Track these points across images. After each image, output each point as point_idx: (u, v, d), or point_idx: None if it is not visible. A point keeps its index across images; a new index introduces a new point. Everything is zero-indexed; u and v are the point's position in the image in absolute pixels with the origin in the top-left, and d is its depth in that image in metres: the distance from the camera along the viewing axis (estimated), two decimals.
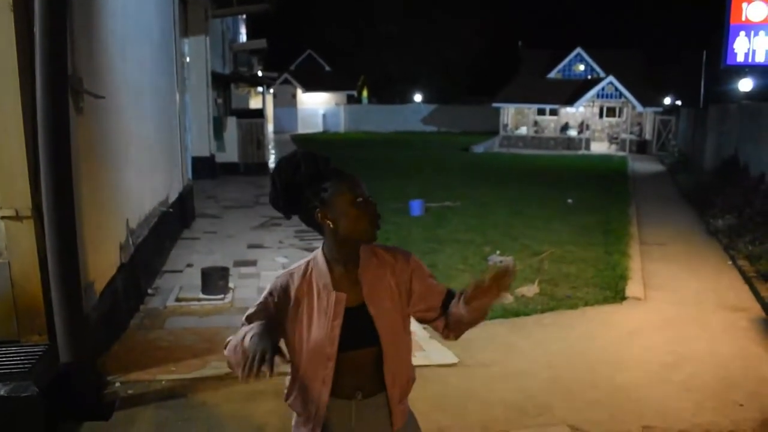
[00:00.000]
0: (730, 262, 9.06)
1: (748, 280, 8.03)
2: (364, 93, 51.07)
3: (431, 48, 53.01)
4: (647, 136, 32.44)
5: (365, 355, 2.06)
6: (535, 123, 35.40)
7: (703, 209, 12.59)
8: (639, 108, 31.69)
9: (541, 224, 11.08)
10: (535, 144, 32.37)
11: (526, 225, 11.03)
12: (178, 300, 6.81)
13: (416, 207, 11.50)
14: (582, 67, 35.40)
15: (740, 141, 14.73)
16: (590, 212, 12.48)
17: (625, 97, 31.57)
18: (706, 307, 7.11)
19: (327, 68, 49.12)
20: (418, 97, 53.24)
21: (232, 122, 17.76)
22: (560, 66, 35.44)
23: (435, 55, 53.24)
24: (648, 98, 32.04)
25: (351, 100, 47.06)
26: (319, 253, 2.11)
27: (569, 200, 13.72)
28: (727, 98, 24.43)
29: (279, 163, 2.08)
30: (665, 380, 5.17)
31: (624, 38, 43.72)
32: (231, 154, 17.45)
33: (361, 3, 52.95)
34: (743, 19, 4.41)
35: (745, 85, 24.05)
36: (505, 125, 34.10)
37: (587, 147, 31.30)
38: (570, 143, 32.03)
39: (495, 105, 33.89)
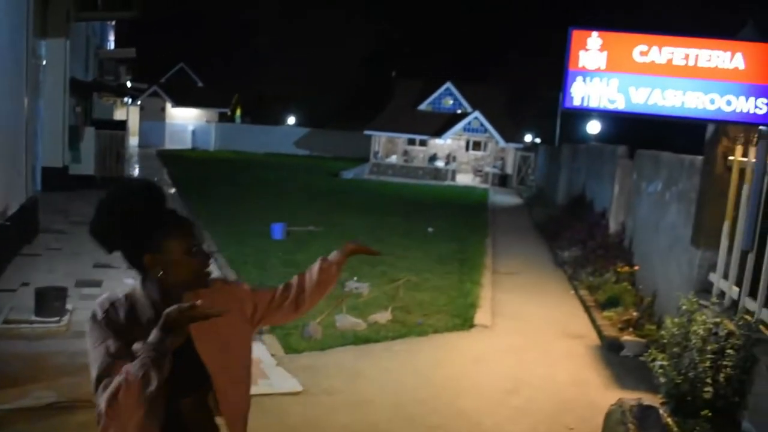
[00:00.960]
0: (573, 292, 9.66)
1: (587, 309, 8.58)
2: (238, 112, 50.19)
3: (308, 72, 53.32)
4: (509, 170, 34.21)
5: (195, 400, 1.92)
6: (405, 152, 36.34)
7: (553, 241, 13.37)
8: (502, 143, 33.42)
9: (401, 252, 11.27)
10: (404, 173, 33.18)
11: (387, 252, 11.18)
12: (6, 322, 6.23)
13: (278, 230, 11.35)
14: (451, 101, 36.84)
15: (587, 179, 15.88)
16: (449, 241, 12.88)
17: (490, 132, 33.22)
18: (548, 334, 7.50)
19: (200, 83, 47.89)
20: (291, 120, 53.09)
21: (90, 133, 16.71)
22: (431, 98, 36.68)
23: (311, 79, 53.56)
24: (510, 134, 33.91)
25: (223, 118, 46.04)
26: (138, 290, 1.92)
27: (430, 229, 14.09)
28: (579, 138, 26.38)
29: (113, 191, 1.88)
30: (504, 405, 5.36)
31: (490, 75, 46.01)
32: (87, 166, 16.38)
33: (238, 21, 52.39)
34: (580, 66, 4.77)
35: (593, 127, 26.03)
36: (376, 153, 34.73)
37: (453, 178, 32.50)
38: (437, 173, 33.12)
39: (367, 132, 34.48)
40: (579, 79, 5.04)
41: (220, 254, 10.00)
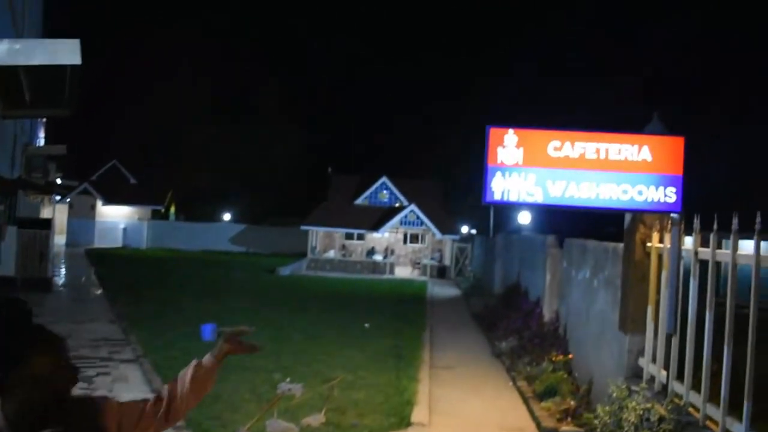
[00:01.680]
0: (511, 383, 9.63)
1: (525, 401, 8.54)
2: (172, 209, 49.68)
3: (243, 168, 53.77)
4: (447, 261, 34.63)
5: None
6: (343, 247, 36.45)
7: (491, 332, 13.43)
8: (438, 235, 33.97)
9: (336, 349, 11.09)
10: (342, 267, 33.14)
11: (322, 350, 10.99)
12: None
13: (208, 331, 11.03)
14: (387, 195, 37.54)
15: (521, 268, 16.23)
16: (386, 336, 12.77)
17: (426, 225, 33.76)
18: (487, 429, 7.40)
19: (132, 180, 47.37)
20: (227, 216, 52.86)
21: (11, 232, 16.17)
22: (367, 193, 37.32)
23: (246, 175, 53.93)
24: (447, 226, 34.57)
25: (157, 215, 45.45)
26: None
27: (366, 325, 13.98)
28: (513, 228, 27.14)
29: None
30: None
31: (425, 169, 47.56)
32: (7, 266, 15.75)
33: (172, 116, 52.79)
34: (498, 161, 5.00)
35: (524, 217, 26.87)
36: (314, 248, 34.69)
37: (392, 271, 32.63)
38: (376, 267, 33.21)
39: (304, 227, 34.52)
40: (498, 174, 5.25)
41: (146, 359, 9.61)
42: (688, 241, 5.54)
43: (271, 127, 54.57)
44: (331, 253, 35.28)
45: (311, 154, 55.69)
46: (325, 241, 36.53)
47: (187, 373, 2.18)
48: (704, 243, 5.34)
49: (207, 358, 2.25)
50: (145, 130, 53.16)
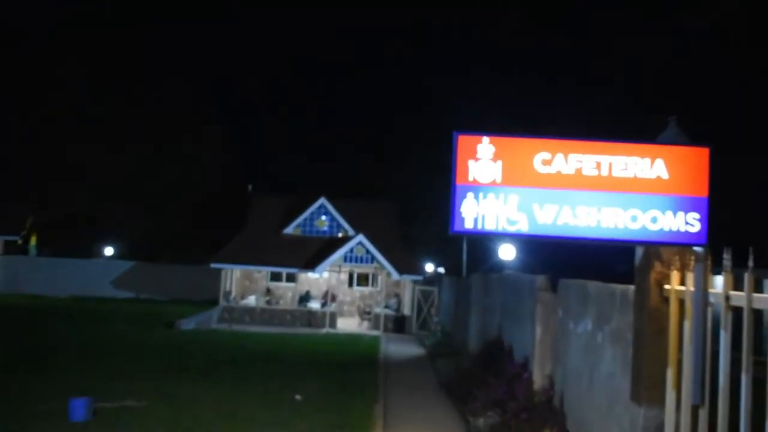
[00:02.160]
0: None
1: None
2: (33, 240, 48.64)
3: (129, 185, 53.03)
4: (406, 310, 34.69)
5: None
6: (268, 291, 36.19)
7: (465, 404, 13.44)
8: (395, 275, 34.01)
9: (257, 430, 10.94)
10: (267, 319, 32.86)
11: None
12: None
13: (79, 408, 10.78)
14: (326, 222, 37.51)
15: (503, 319, 16.36)
16: (325, 412, 12.67)
17: (379, 262, 33.79)
18: None
19: None
20: (109, 250, 51.95)
21: None
22: (300, 219, 37.20)
23: (134, 194, 53.20)
24: (406, 264, 34.66)
25: (12, 248, 44.42)
26: None
27: (297, 396, 13.88)
28: (493, 265, 27.43)
29: None
30: None
31: (377, 189, 47.82)
32: None
33: (33, 125, 51.98)
34: (470, 179, 5.05)
35: (507, 252, 27.18)
36: (228, 293, 34.35)
37: (333, 324, 32.49)
38: (312, 318, 33.05)
39: (215, 266, 34.10)
40: (470, 195, 5.30)
41: None
42: (718, 282, 5.67)
43: (169, 136, 54.20)
44: (252, 300, 34.99)
45: (225, 168, 55.44)
46: (244, 284, 36.19)
47: None
48: (738, 284, 5.48)
49: None
50: None
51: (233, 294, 35.00)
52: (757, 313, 5.19)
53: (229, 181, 50.78)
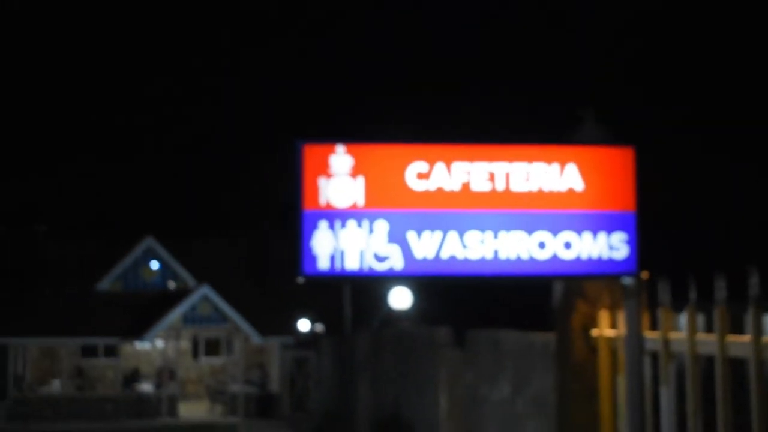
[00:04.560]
0: None
1: None
2: None
3: None
4: (274, 386, 34.57)
5: None
6: (79, 372, 35.53)
7: None
8: (257, 338, 33.91)
9: None
10: (79, 411, 32.25)
11: None
12: None
13: None
14: (157, 272, 37.14)
15: (402, 387, 16.45)
16: None
17: (234, 321, 33.61)
18: None
19: None
20: None
21: None
22: (119, 269, 36.80)
23: None
24: (271, 322, 34.62)
25: None
26: None
27: None
28: (382, 318, 27.59)
29: None
30: None
31: (219, 227, 47.61)
32: None
33: None
34: (322, 203, 5.08)
35: (401, 299, 27.44)
36: (19, 378, 33.59)
37: (172, 412, 32.14)
38: (143, 407, 32.63)
39: (1, 341, 33.31)
40: (323, 225, 5.36)
41: None
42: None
43: None
44: (57, 386, 34.42)
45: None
46: (43, 364, 35.47)
47: None
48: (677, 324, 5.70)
49: None
50: None
51: (27, 379, 34.25)
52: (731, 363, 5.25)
53: (11, 221, 49.64)
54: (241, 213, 50.93)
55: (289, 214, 5.36)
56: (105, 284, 36.62)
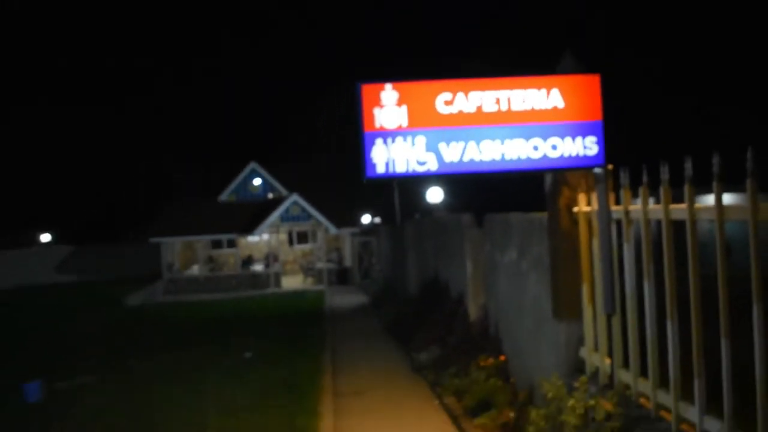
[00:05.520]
0: (437, 402, 10.00)
1: (455, 420, 8.92)
2: None
3: (56, 171, 51.94)
4: (348, 262, 35.01)
5: None
6: (210, 259, 36.09)
7: (408, 343, 13.81)
8: (333, 230, 34.25)
9: (210, 390, 11.11)
10: (212, 286, 32.88)
11: (191, 395, 10.99)
12: None
13: (32, 391, 10.83)
14: (260, 186, 37.41)
15: (438, 260, 16.69)
16: (275, 365, 12.90)
17: (316, 219, 33.94)
18: None
19: None
20: (46, 237, 50.88)
21: None
22: (233, 185, 37.10)
23: (63, 180, 52.14)
24: (343, 218, 34.91)
25: None
26: None
27: (247, 354, 14.07)
28: (425, 210, 27.78)
29: None
30: None
31: (304, 150, 47.64)
32: None
33: None
34: (377, 126, 5.25)
35: (435, 195, 27.54)
36: (171, 265, 34.15)
37: (278, 284, 32.66)
38: (256, 281, 33.15)
39: (154, 240, 33.85)
40: (378, 141, 5.49)
41: None
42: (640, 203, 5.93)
43: (81, 113, 53.09)
44: (195, 269, 34.98)
45: (146, 143, 54.69)
46: (186, 255, 36.06)
47: None
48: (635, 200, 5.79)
49: None
50: None
51: (176, 266, 34.83)
52: (677, 225, 5.34)
53: (157, 154, 49.99)
54: (319, 139, 50.73)
55: (354, 136, 5.47)
56: (224, 197, 36.98)
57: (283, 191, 35.98)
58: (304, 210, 33.80)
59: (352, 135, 5.57)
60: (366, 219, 41.73)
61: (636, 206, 5.64)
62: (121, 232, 47.25)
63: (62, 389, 11.76)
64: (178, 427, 9.13)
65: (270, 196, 36.71)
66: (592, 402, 5.64)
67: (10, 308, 28.47)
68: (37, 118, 52.47)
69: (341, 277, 33.63)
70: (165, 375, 12.82)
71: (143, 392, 11.49)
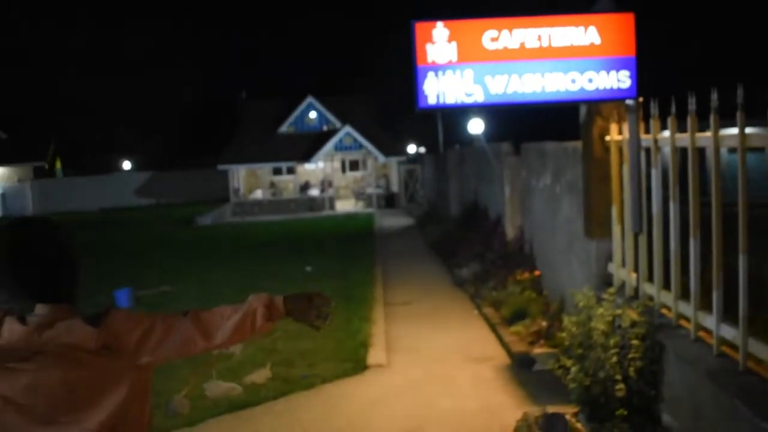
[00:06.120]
0: (476, 312, 10.16)
1: (493, 328, 9.08)
2: (57, 164, 48.46)
3: (136, 105, 52.50)
4: (394, 188, 35.10)
5: None
6: (272, 184, 36.44)
7: (450, 260, 13.95)
8: (381, 158, 34.29)
9: None
10: (274, 208, 33.29)
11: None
12: None
13: (123, 297, 11.19)
14: (316, 118, 37.38)
15: (478, 185, 16.70)
16: (332, 278, 13.14)
17: (366, 148, 33.99)
18: (452, 363, 7.88)
19: (3, 136, 45.52)
20: (127, 165, 51.85)
21: None
22: (292, 118, 37.06)
23: (141, 113, 52.73)
24: (391, 147, 34.88)
25: (39, 173, 44.19)
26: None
27: (308, 268, 14.34)
28: (465, 140, 27.63)
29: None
30: None
31: (356, 85, 47.40)
32: None
33: (39, 59, 50.89)
34: (429, 61, 5.24)
35: (476, 126, 27.31)
36: (237, 190, 34.62)
37: (332, 207, 32.97)
38: (313, 204, 33.47)
39: (221, 167, 34.29)
40: (430, 75, 5.49)
41: None
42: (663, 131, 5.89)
43: (160, 51, 53.21)
44: (259, 194, 35.32)
45: (217, 79, 54.86)
46: (250, 181, 36.45)
47: (233, 319, 2.37)
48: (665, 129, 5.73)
49: (260, 316, 2.38)
50: (9, 80, 51.07)
51: (241, 190, 35.27)
52: (701, 153, 5.30)
53: (222, 90, 50.24)
54: (370, 74, 50.39)
55: (408, 70, 5.47)
56: (283, 129, 36.95)
57: (337, 123, 35.92)
58: (355, 140, 33.84)
59: (405, 70, 5.57)
60: (411, 149, 41.64)
61: (665, 135, 5.59)
62: (194, 160, 47.81)
63: (146, 296, 12.14)
64: None
65: (325, 128, 36.69)
66: (618, 311, 5.70)
67: (95, 228, 29.18)
68: (125, 53, 52.74)
69: (389, 201, 33.78)
70: (235, 284, 13.13)
71: (217, 299, 11.82)
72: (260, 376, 7.30)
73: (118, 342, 2.28)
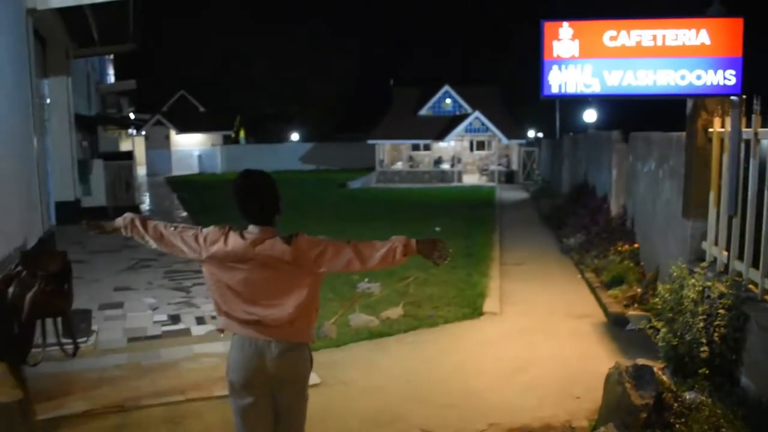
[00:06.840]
0: (579, 276, 9.93)
1: (593, 290, 8.85)
2: (241, 133, 50.79)
3: (304, 87, 53.86)
4: (514, 166, 34.48)
5: None
6: (410, 158, 36.69)
7: (559, 230, 13.64)
8: (504, 141, 33.71)
9: None
10: (411, 178, 33.54)
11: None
12: (35, 346, 6.59)
13: None
14: (450, 104, 37.17)
15: (588, 167, 16.16)
16: (456, 238, 13.15)
17: (492, 131, 33.50)
18: (555, 317, 7.78)
19: (201, 109, 48.15)
20: (295, 136, 53.68)
21: (98, 165, 17.09)
22: (430, 103, 37.04)
23: (308, 93, 54.07)
24: (513, 131, 34.24)
25: (227, 140, 46.51)
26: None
27: (437, 228, 14.42)
28: (578, 128, 26.70)
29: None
30: (512, 382, 5.66)
31: (487, 75, 46.48)
32: (98, 197, 16.73)
33: (231, 43, 53.06)
34: (554, 55, 5.12)
35: (590, 116, 26.31)
36: (381, 161, 35.11)
37: (460, 179, 32.84)
38: (444, 176, 33.46)
39: (370, 142, 34.88)
40: (555, 67, 5.36)
41: None
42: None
43: (326, 43, 54.10)
44: (399, 165, 35.63)
45: (370, 68, 55.43)
46: (393, 154, 36.83)
47: (380, 251, 2.99)
48: (765, 125, 5.36)
49: (399, 252, 2.95)
50: (207, 58, 53.56)
51: (385, 161, 35.71)
52: None
53: (375, 77, 50.70)
54: (500, 69, 49.22)
55: (535, 63, 5.38)
56: (423, 112, 36.95)
57: (468, 109, 35.55)
58: (483, 124, 33.42)
59: (532, 63, 5.47)
60: (530, 133, 40.65)
61: (765, 129, 5.23)
62: (348, 134, 48.78)
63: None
64: (386, 273, 9.55)
65: (457, 112, 36.41)
66: (708, 283, 5.44)
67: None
68: (296, 48, 54.21)
69: (508, 177, 33.23)
70: (376, 238, 13.39)
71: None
72: (394, 312, 7.50)
73: (302, 256, 2.94)
